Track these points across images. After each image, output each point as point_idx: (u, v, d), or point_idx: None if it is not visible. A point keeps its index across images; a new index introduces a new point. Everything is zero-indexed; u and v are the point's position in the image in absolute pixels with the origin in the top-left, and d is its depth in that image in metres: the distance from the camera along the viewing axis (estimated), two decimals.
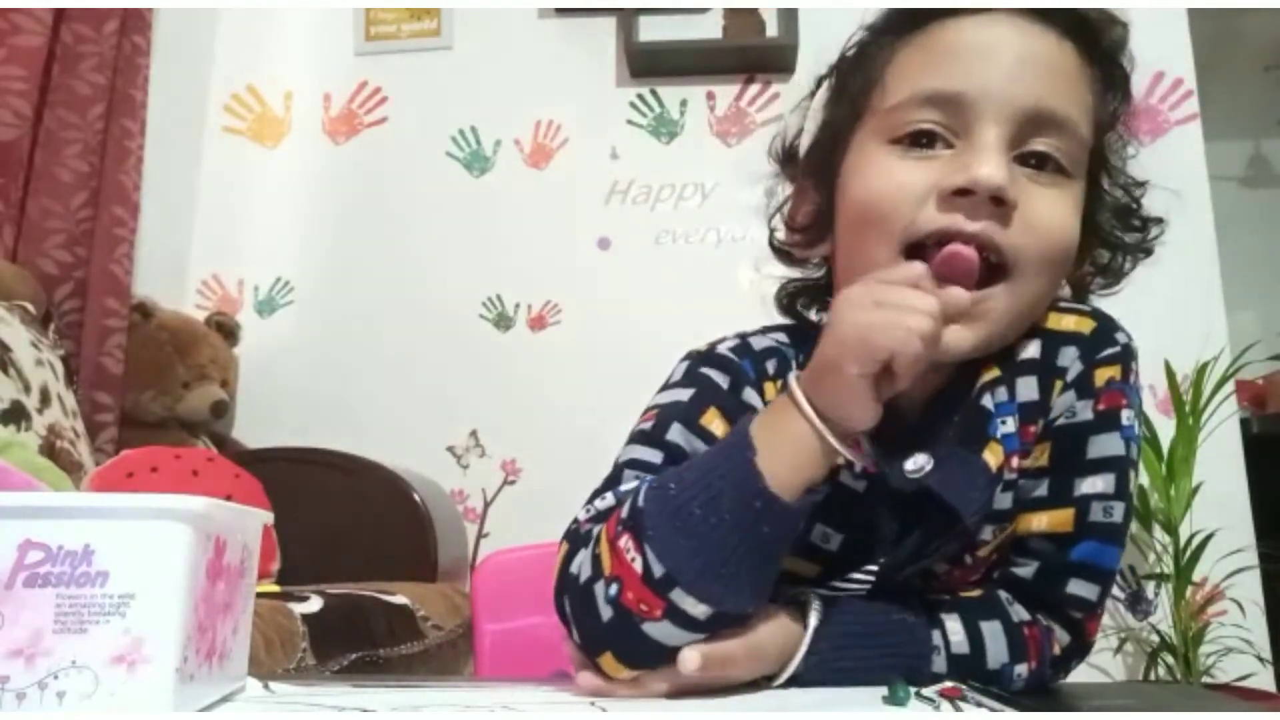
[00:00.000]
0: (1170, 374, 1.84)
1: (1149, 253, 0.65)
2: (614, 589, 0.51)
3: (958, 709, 0.46)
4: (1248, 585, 1.85)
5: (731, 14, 2.14)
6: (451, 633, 1.51)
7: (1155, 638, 1.80)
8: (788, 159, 0.69)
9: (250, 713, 0.47)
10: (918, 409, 0.62)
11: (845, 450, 0.52)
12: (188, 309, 2.13)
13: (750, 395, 0.63)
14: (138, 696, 0.39)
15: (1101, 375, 0.60)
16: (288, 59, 2.31)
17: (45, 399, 1.44)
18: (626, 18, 2.15)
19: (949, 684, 0.51)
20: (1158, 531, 1.84)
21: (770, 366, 0.65)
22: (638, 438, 0.61)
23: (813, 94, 0.67)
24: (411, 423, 2.09)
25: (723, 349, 0.66)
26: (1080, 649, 0.61)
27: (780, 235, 0.69)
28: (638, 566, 0.50)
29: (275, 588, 1.35)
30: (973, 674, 0.57)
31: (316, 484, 1.77)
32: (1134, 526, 1.87)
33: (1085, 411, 0.60)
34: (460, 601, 1.59)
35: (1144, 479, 1.84)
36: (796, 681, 0.54)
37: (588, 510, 0.58)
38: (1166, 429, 1.83)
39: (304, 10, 2.31)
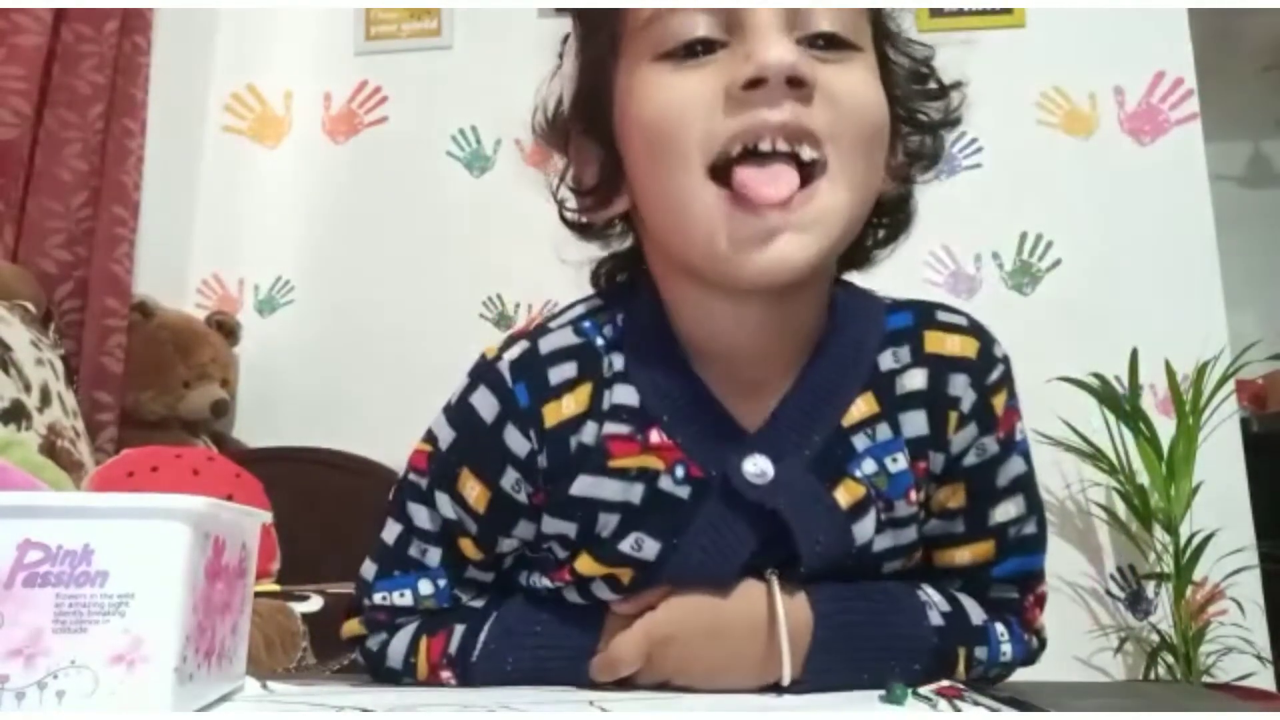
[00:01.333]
0: (1170, 374, 1.84)
1: (956, 122, 0.60)
2: (409, 668, 0.60)
3: (956, 709, 0.46)
4: (1248, 585, 1.85)
5: None
6: None
7: (1155, 638, 1.80)
8: (553, 127, 0.63)
9: (249, 712, 0.47)
10: (763, 411, 0.57)
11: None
12: (188, 309, 2.13)
13: (511, 435, 0.57)
14: (137, 696, 0.39)
15: (998, 403, 0.58)
16: (288, 59, 2.31)
17: (45, 398, 1.44)
18: None
19: (946, 683, 0.51)
20: (1158, 531, 1.84)
21: (560, 374, 0.57)
22: (413, 492, 0.62)
23: (561, 55, 0.63)
24: (411, 422, 2.08)
25: (505, 362, 0.58)
26: (1033, 632, 0.63)
27: (570, 206, 0.64)
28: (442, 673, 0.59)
29: (275, 587, 1.35)
30: (962, 630, 0.58)
31: (316, 484, 1.77)
32: (1134, 526, 1.87)
33: (991, 446, 0.58)
34: None
35: (1144, 479, 1.84)
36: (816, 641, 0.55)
37: (383, 597, 0.61)
38: (1166, 429, 1.83)
39: (304, 10, 2.31)
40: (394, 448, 2.14)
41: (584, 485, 0.57)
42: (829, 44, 0.51)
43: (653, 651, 0.55)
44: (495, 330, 2.14)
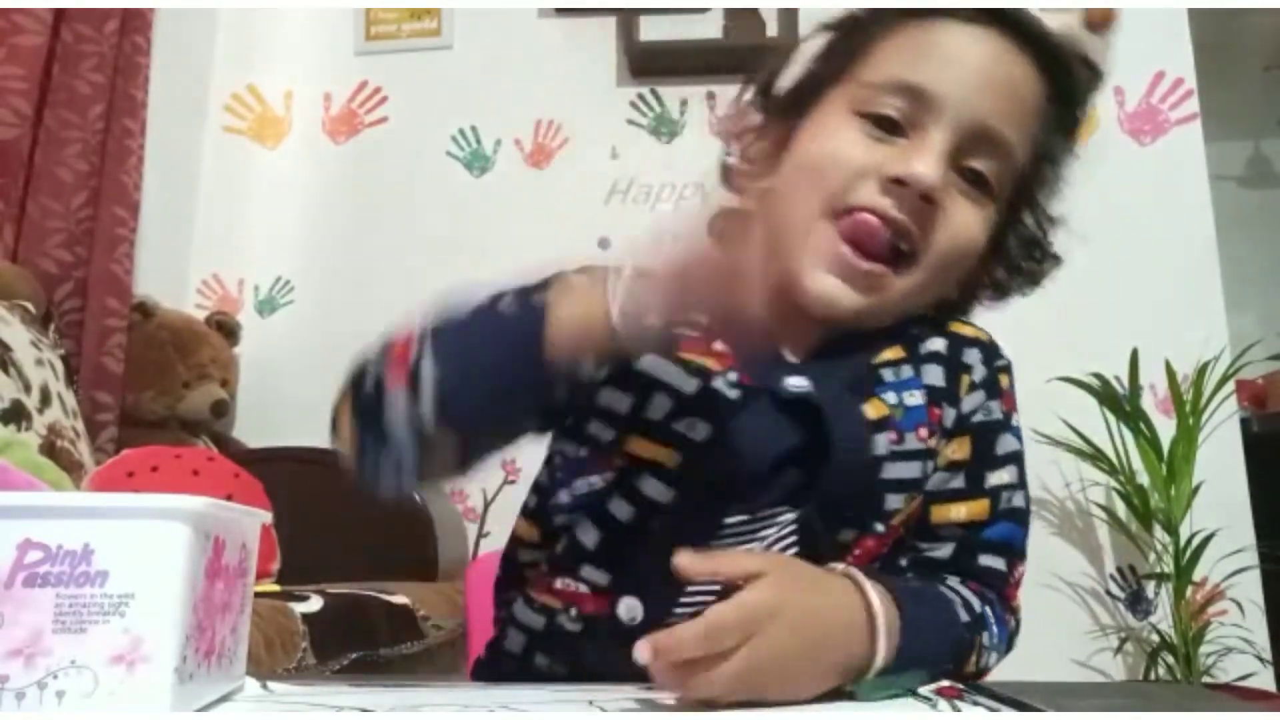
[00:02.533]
0: (1170, 374, 1.84)
1: (1037, 283, 0.70)
2: (380, 364, 0.58)
3: (956, 709, 0.46)
4: (1248, 585, 1.85)
5: (732, 14, 2.14)
6: (451, 632, 1.51)
7: (1155, 638, 1.80)
8: (764, 92, 0.70)
9: (248, 713, 0.47)
10: (803, 351, 0.65)
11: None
12: (188, 309, 2.13)
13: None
14: (137, 696, 0.39)
15: (1003, 381, 0.68)
16: (288, 59, 2.31)
17: (45, 398, 1.44)
18: (626, 18, 2.15)
19: (946, 683, 0.51)
20: (1158, 531, 1.84)
21: None
22: None
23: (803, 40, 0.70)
24: None
25: None
26: (1010, 611, 0.65)
27: (735, 158, 0.70)
28: (409, 348, 0.57)
29: (275, 587, 1.35)
30: (973, 617, 0.61)
31: (316, 484, 1.76)
32: (1134, 526, 1.87)
33: (996, 411, 0.67)
34: (460, 601, 1.59)
35: (1144, 479, 1.84)
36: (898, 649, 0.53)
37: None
38: (1166, 429, 1.83)
39: (304, 10, 2.31)
40: None
41: (648, 362, 0.61)
42: (973, 181, 0.60)
43: (750, 632, 0.46)
44: None
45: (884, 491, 0.62)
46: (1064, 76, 0.63)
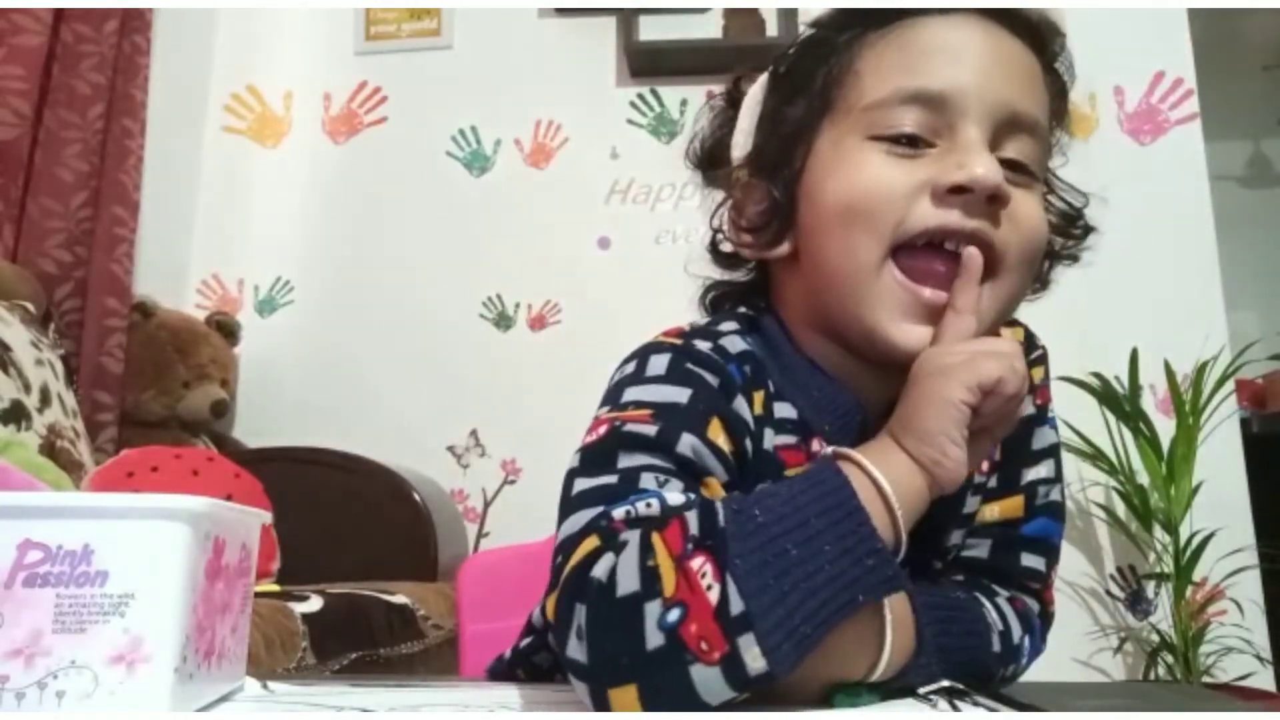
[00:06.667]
0: (1170, 374, 1.84)
1: (1076, 259, 0.67)
2: (674, 615, 0.41)
3: (956, 709, 0.46)
4: (1248, 585, 1.85)
5: (731, 14, 2.14)
6: (451, 632, 1.51)
7: (1155, 638, 1.80)
8: (711, 162, 0.66)
9: (249, 713, 0.47)
10: (881, 413, 0.59)
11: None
12: (188, 309, 2.13)
13: (741, 405, 0.57)
14: (137, 696, 0.39)
15: (1036, 374, 0.66)
16: (288, 59, 2.31)
17: (45, 399, 1.44)
18: (626, 18, 2.15)
19: (946, 683, 0.51)
20: (1158, 531, 1.84)
21: (746, 373, 0.59)
22: (641, 443, 0.52)
23: (727, 94, 0.67)
24: (411, 423, 2.09)
25: (702, 347, 0.58)
26: (1048, 618, 0.65)
27: (727, 238, 0.65)
28: (713, 596, 0.41)
29: (275, 587, 1.35)
30: (1006, 649, 0.59)
31: (316, 484, 1.77)
32: (1134, 526, 1.87)
33: (1028, 406, 0.64)
34: None
35: (1144, 479, 1.84)
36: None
37: (627, 511, 0.48)
38: (1166, 429, 1.83)
39: (304, 10, 2.31)
40: (394, 447, 2.14)
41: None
42: (1014, 169, 0.56)
43: None
44: (495, 330, 2.14)
45: (956, 526, 0.61)
46: (1043, 43, 0.59)
